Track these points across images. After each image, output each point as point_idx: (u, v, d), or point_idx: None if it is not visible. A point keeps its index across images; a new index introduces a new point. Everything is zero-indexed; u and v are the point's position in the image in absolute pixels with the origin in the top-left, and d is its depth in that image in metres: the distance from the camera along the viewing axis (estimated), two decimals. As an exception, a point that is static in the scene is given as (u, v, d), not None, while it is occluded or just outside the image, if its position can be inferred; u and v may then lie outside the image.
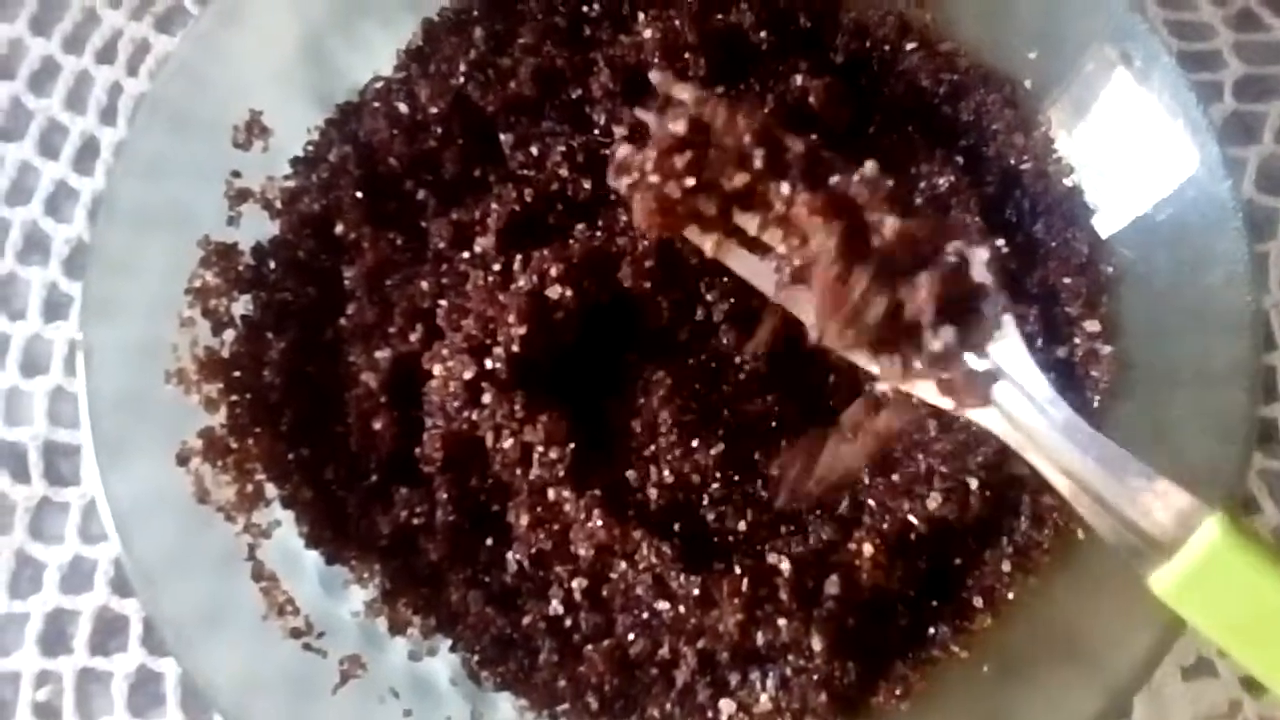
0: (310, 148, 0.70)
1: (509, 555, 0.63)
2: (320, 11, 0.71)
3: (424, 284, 0.66)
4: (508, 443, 0.61)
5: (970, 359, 0.53)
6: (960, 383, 0.52)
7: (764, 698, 0.60)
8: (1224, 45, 0.82)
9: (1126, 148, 0.66)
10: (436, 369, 0.63)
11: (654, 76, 0.58)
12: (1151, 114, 0.64)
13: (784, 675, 0.60)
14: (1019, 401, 0.53)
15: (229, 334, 0.66)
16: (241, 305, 0.67)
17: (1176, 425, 0.62)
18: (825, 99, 0.67)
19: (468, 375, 0.61)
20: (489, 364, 0.62)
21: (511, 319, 0.61)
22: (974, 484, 0.61)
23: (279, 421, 0.65)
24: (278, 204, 0.69)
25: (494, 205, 0.66)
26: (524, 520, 0.61)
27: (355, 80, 0.72)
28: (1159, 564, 0.47)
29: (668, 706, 0.62)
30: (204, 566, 0.62)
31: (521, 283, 0.62)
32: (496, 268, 0.64)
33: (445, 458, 0.62)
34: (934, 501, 0.61)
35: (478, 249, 0.66)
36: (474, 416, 0.62)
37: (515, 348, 0.61)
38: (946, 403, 0.54)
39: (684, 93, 0.56)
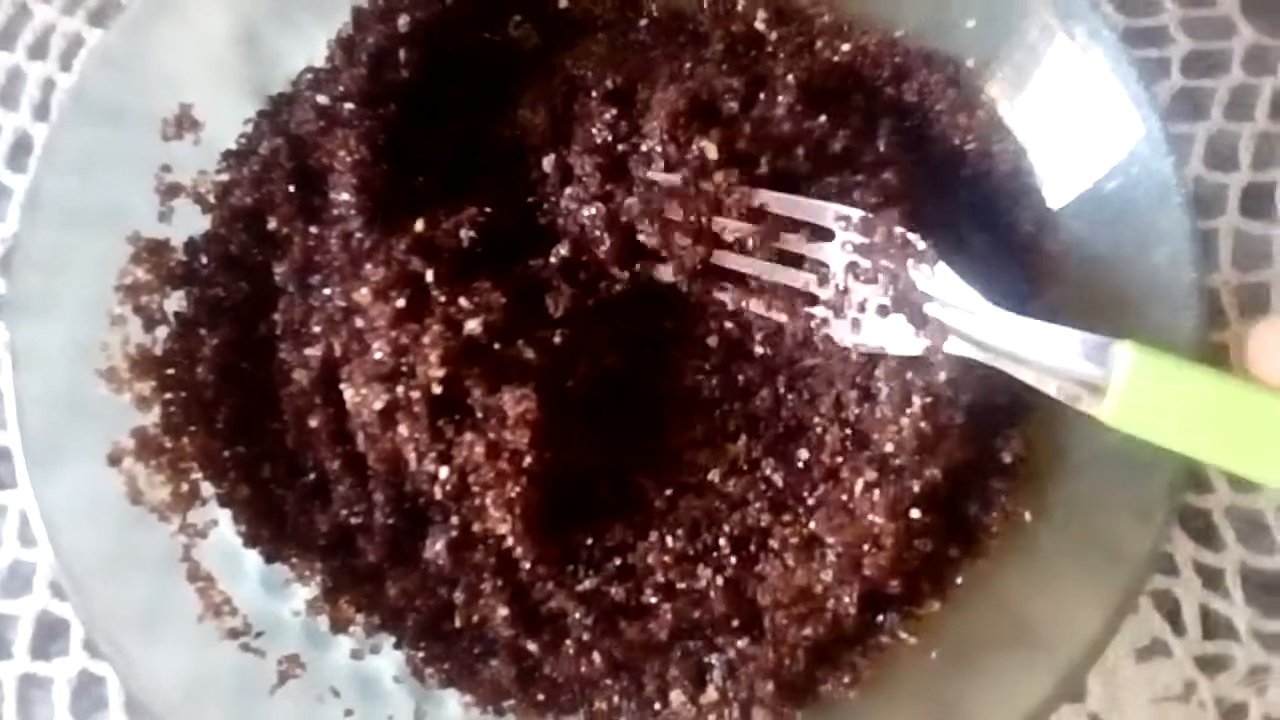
0: (242, 140, 0.69)
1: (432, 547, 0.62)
2: (254, 1, 0.69)
3: (336, 291, 0.64)
4: (429, 468, 0.60)
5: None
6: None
7: (711, 688, 0.59)
8: (1171, 20, 0.81)
9: (1069, 125, 0.65)
10: (348, 392, 0.61)
11: None
12: (1094, 89, 0.63)
13: (730, 663, 0.59)
14: (961, 318, 0.58)
15: (161, 331, 0.65)
16: (174, 302, 0.65)
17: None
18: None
19: (378, 405, 0.60)
20: (401, 391, 0.60)
21: (432, 359, 0.59)
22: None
23: (214, 419, 0.64)
24: (210, 198, 0.67)
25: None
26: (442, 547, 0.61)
27: (290, 71, 0.70)
28: (1099, 403, 0.52)
29: (615, 699, 0.61)
30: (140, 570, 0.61)
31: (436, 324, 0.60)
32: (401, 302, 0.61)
33: (378, 468, 0.62)
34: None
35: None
36: (394, 439, 0.60)
37: (435, 389, 0.59)
38: (916, 348, 0.58)
39: None
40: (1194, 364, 0.51)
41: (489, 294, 0.61)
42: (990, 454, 0.62)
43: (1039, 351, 0.55)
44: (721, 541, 0.62)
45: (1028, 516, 0.61)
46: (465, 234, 0.63)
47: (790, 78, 0.65)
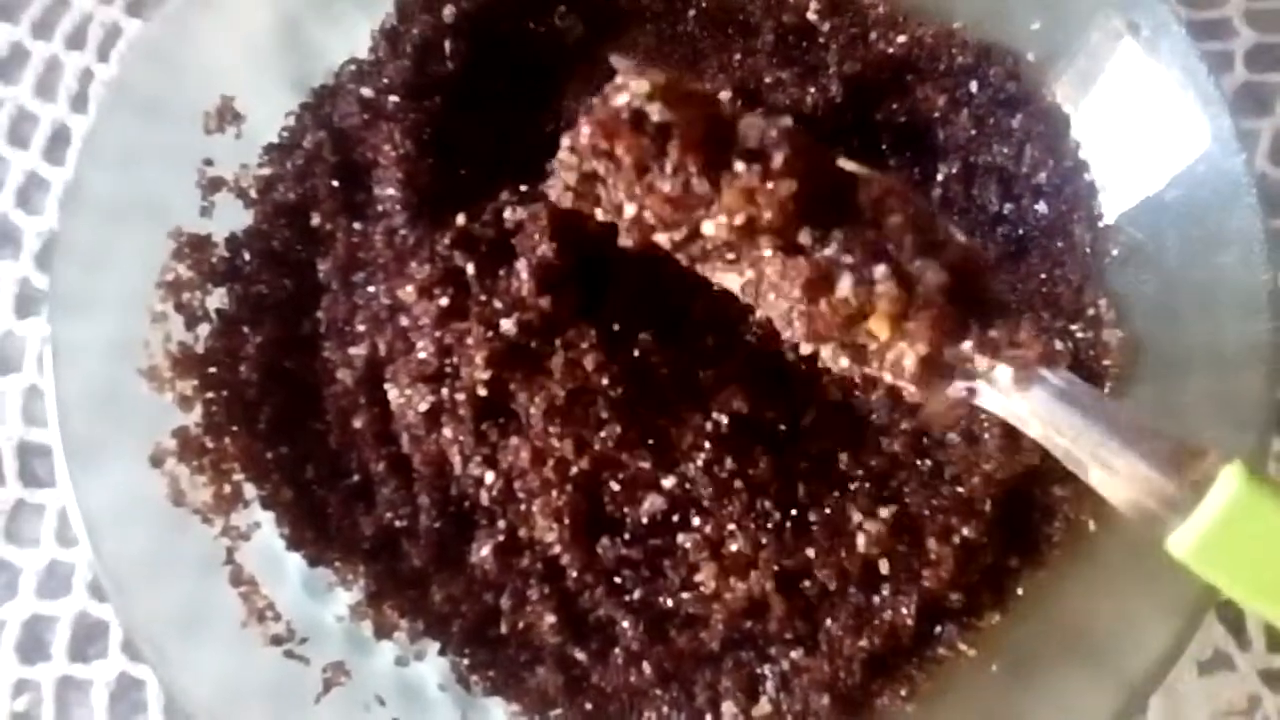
0: (285, 134, 0.67)
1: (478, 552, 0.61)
2: (296, -9, 0.68)
3: (381, 289, 0.63)
4: (475, 471, 0.59)
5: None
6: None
7: (764, 700, 0.58)
8: (1235, 13, 0.79)
9: (1134, 122, 0.63)
10: (393, 393, 0.60)
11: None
12: (1160, 86, 0.61)
13: (784, 674, 0.58)
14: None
15: (203, 329, 0.64)
16: (216, 299, 0.64)
17: (1191, 411, 0.60)
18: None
19: (423, 407, 0.59)
20: (446, 393, 0.59)
21: (477, 360, 0.57)
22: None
23: (256, 419, 0.63)
24: (252, 193, 0.66)
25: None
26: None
27: (332, 63, 0.69)
28: (1176, 525, 0.42)
29: (665, 710, 0.60)
30: (181, 572, 0.60)
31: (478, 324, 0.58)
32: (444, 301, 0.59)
33: (424, 470, 0.61)
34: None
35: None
36: (439, 441, 0.59)
37: (480, 391, 0.58)
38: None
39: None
40: None
41: (523, 289, 0.59)
42: (1052, 460, 0.60)
43: (1112, 443, 0.45)
44: None
45: (1091, 525, 0.59)
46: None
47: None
